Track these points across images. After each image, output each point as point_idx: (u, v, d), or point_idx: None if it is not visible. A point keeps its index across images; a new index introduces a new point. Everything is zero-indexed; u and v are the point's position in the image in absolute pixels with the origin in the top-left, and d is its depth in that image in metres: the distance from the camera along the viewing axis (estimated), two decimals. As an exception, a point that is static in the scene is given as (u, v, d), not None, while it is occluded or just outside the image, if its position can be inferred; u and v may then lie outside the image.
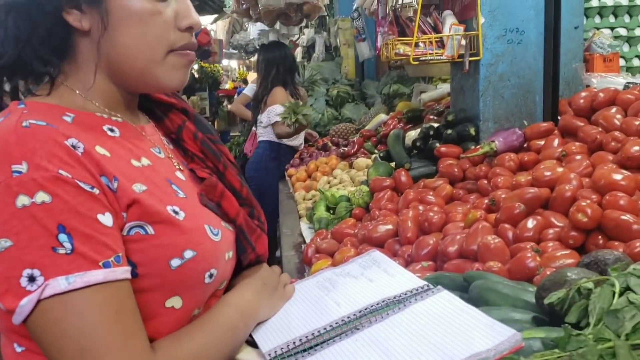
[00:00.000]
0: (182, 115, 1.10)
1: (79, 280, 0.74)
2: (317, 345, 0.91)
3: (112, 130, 0.92)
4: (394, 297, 0.99)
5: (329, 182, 3.05)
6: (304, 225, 2.65)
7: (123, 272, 0.79)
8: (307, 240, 2.34)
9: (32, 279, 0.73)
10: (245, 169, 4.30)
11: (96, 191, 0.79)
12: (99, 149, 0.84)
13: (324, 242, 2.03)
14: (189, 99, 9.98)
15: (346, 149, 3.56)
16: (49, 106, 0.88)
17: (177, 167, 1.01)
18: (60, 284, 0.73)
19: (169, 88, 0.99)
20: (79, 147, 0.80)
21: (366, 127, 3.97)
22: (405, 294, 1.00)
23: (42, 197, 0.74)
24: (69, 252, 0.74)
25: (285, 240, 2.56)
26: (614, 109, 1.91)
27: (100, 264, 0.76)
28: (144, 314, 0.83)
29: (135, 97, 1.01)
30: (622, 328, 0.76)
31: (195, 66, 10.16)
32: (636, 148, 1.58)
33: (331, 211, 2.54)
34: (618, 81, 2.21)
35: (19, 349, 0.83)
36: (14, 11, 0.87)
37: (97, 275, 0.76)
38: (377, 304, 0.98)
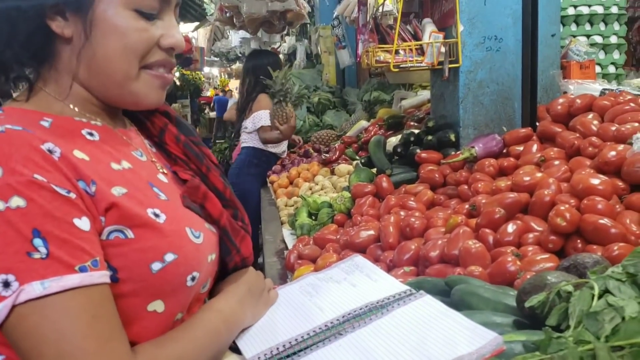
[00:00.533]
0: (164, 118, 1.10)
1: (55, 285, 0.73)
2: (300, 350, 0.91)
3: (91, 134, 0.91)
4: (377, 302, 0.99)
5: (310, 189, 3.05)
6: (286, 232, 2.65)
7: (100, 276, 0.78)
8: (290, 247, 2.33)
9: (6, 284, 0.72)
10: (228, 174, 4.28)
11: (72, 195, 0.78)
12: (78, 153, 0.84)
13: (306, 248, 2.03)
14: (171, 106, 9.94)
15: (328, 155, 3.56)
16: (26, 111, 0.88)
17: (159, 170, 1.01)
18: (35, 289, 0.73)
19: (145, 105, 0.99)
20: (55, 152, 0.80)
21: (347, 134, 3.99)
22: (388, 299, 1.00)
23: (16, 201, 0.74)
24: (44, 256, 0.74)
25: (268, 246, 2.56)
26: (590, 115, 1.94)
27: (77, 268, 0.75)
28: (126, 318, 0.83)
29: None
30: (601, 330, 0.77)
31: (177, 74, 10.14)
32: (613, 153, 1.60)
33: (313, 217, 2.54)
34: (594, 87, 2.24)
35: None
36: None
37: (73, 279, 0.75)
38: (360, 309, 0.98)
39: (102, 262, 0.79)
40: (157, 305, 0.88)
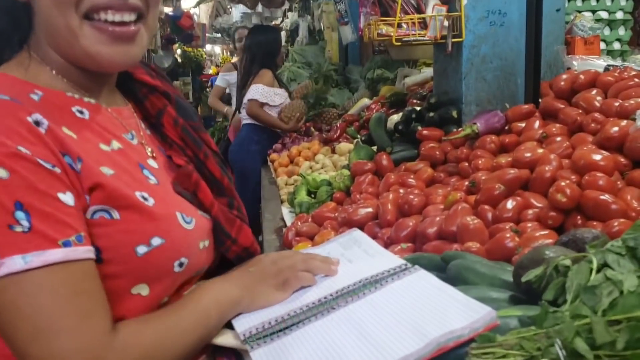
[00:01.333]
0: (163, 99, 1.05)
1: (37, 260, 0.72)
2: (292, 325, 0.90)
3: (81, 112, 0.88)
4: (371, 277, 0.98)
5: (311, 167, 3.03)
6: (285, 210, 2.64)
7: (85, 251, 0.77)
8: (288, 224, 2.32)
9: None
10: (228, 151, 4.26)
11: (57, 170, 0.76)
12: (65, 130, 0.81)
13: (304, 225, 2.02)
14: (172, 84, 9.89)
15: (329, 134, 3.53)
16: (17, 81, 0.85)
17: (150, 154, 0.98)
18: (16, 262, 0.71)
19: (106, 65, 0.89)
20: (42, 124, 0.77)
21: (349, 112, 3.95)
22: (383, 273, 0.99)
23: None
24: (26, 230, 0.72)
25: (267, 224, 2.55)
26: (594, 91, 1.90)
27: (60, 242, 0.74)
28: (110, 300, 0.81)
29: (108, 77, 0.97)
30: (599, 304, 0.75)
31: (179, 50, 10.06)
32: (615, 129, 1.57)
33: (312, 195, 2.53)
34: (598, 64, 2.21)
35: None
36: None
37: (56, 254, 0.73)
38: (354, 285, 0.97)
39: (86, 237, 0.78)
40: (142, 289, 0.86)
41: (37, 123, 0.77)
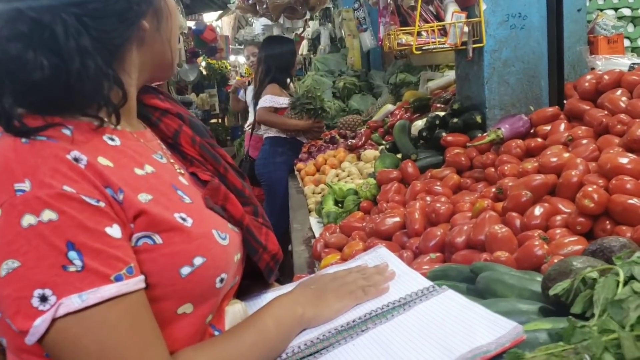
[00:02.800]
0: (177, 119, 1.09)
1: (93, 297, 0.74)
2: (322, 349, 0.92)
3: (112, 139, 0.89)
4: (399, 300, 0.99)
5: (337, 175, 3.05)
6: (313, 220, 2.66)
7: (136, 282, 0.79)
8: (317, 235, 2.34)
9: (43, 298, 0.73)
10: (255, 166, 4.30)
11: (102, 204, 0.78)
12: (102, 160, 0.83)
13: (332, 237, 2.03)
14: (198, 97, 10.03)
15: (354, 141, 3.55)
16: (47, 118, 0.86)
17: (179, 171, 1.00)
18: (74, 302, 0.73)
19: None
20: (81, 160, 0.79)
21: (373, 118, 3.96)
22: (410, 295, 1.00)
23: (48, 215, 0.74)
24: (79, 269, 0.74)
25: (296, 235, 2.57)
26: (619, 91, 1.88)
27: (112, 277, 0.76)
28: (157, 323, 0.83)
29: (134, 103, 0.99)
30: (626, 319, 0.75)
31: (203, 63, 10.19)
32: (642, 130, 1.56)
33: (339, 205, 2.54)
34: (623, 62, 2.18)
35: None
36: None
37: (110, 289, 0.75)
38: (382, 308, 0.98)
39: (136, 268, 0.80)
40: (187, 308, 0.88)
41: (77, 160, 0.79)
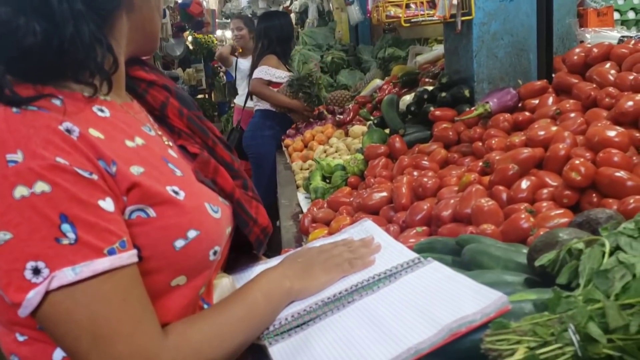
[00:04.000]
0: (164, 91, 1.06)
1: (86, 270, 0.73)
2: (309, 320, 0.92)
3: (101, 110, 0.87)
4: (385, 272, 0.99)
5: (325, 151, 3.03)
6: (301, 195, 2.65)
7: (129, 256, 0.78)
8: (304, 210, 2.34)
9: (36, 271, 0.72)
10: (243, 138, 4.28)
11: (95, 177, 0.76)
12: (93, 132, 0.80)
13: (320, 212, 2.03)
14: (185, 72, 9.92)
15: (342, 116, 3.52)
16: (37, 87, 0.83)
17: (167, 144, 0.99)
18: (67, 274, 0.72)
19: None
20: (74, 132, 0.77)
21: (361, 94, 3.93)
22: (396, 267, 1.00)
23: (41, 186, 0.72)
24: (72, 242, 0.73)
25: (284, 210, 2.57)
26: (608, 64, 1.87)
27: (105, 251, 0.75)
28: (151, 295, 0.82)
29: (124, 73, 0.97)
30: (611, 288, 0.75)
31: (190, 38, 10.06)
32: (630, 103, 1.55)
33: (327, 180, 2.53)
34: (612, 35, 2.16)
35: (21, 338, 0.82)
36: None
37: (103, 263, 0.74)
38: (368, 280, 0.98)
39: (129, 241, 0.79)
40: (180, 280, 0.87)
41: (69, 131, 0.77)
